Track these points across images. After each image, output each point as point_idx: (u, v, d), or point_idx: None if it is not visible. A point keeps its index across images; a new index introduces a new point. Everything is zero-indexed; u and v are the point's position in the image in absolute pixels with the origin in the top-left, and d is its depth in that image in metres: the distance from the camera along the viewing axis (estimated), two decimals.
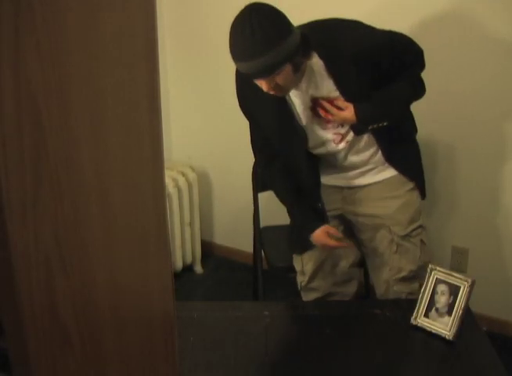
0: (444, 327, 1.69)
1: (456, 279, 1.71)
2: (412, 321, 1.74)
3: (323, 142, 1.88)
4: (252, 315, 1.90)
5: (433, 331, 1.71)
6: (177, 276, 2.78)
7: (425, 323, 1.73)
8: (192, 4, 2.70)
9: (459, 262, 2.45)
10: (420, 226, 1.97)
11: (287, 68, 1.63)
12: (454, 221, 2.43)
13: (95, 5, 0.73)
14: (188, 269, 2.92)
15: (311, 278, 2.02)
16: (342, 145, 1.87)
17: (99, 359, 0.85)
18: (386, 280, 1.96)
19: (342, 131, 1.85)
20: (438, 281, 1.74)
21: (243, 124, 2.42)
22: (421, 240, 1.97)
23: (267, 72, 1.61)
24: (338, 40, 1.72)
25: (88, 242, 0.79)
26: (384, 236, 1.95)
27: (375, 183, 1.95)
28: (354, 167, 1.94)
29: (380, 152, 1.90)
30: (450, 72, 2.23)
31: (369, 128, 1.82)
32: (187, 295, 2.70)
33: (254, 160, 2.26)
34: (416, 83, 1.85)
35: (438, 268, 1.75)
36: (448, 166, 2.37)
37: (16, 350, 0.73)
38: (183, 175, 2.77)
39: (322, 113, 1.80)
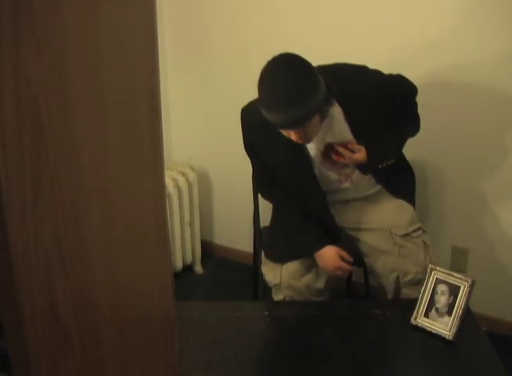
0: (444, 327, 1.70)
1: (456, 279, 1.71)
2: (412, 321, 1.74)
3: (329, 183, 1.95)
4: (252, 315, 1.90)
5: (433, 331, 1.71)
6: (177, 276, 2.78)
7: (425, 323, 1.73)
8: (192, 3, 2.70)
9: (459, 262, 2.45)
10: (420, 228, 1.99)
11: (316, 117, 1.67)
12: (454, 221, 2.43)
13: (94, 5, 0.73)
14: (188, 269, 2.92)
15: (289, 292, 1.98)
16: (347, 184, 1.97)
17: (99, 359, 0.85)
18: (396, 285, 1.94)
19: (348, 171, 1.94)
20: (438, 281, 1.74)
21: None
22: (424, 242, 1.97)
23: (300, 123, 1.64)
24: (356, 86, 1.77)
25: (88, 242, 0.79)
26: (385, 239, 1.96)
27: (367, 195, 2.02)
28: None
29: (374, 179, 1.99)
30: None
31: (379, 167, 1.90)
32: (187, 295, 2.70)
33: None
34: (416, 120, 1.96)
35: (438, 268, 1.75)
36: (448, 166, 2.37)
37: (16, 350, 0.73)
38: (183, 175, 2.77)
39: (335, 157, 1.85)
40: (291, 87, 1.58)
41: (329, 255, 1.91)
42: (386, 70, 1.87)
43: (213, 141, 2.89)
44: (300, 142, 1.74)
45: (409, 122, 1.96)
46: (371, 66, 1.85)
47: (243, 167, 2.40)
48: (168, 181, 2.65)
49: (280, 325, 1.84)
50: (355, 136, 1.84)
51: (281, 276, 1.98)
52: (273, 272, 2.01)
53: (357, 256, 2.02)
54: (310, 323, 1.85)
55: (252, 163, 2.07)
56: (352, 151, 1.84)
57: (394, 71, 1.91)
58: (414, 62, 2.26)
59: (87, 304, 0.80)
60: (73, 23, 0.69)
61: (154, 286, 0.96)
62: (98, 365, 0.85)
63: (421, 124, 1.99)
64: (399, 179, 2.02)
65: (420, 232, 1.98)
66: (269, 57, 2.66)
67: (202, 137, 2.92)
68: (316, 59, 2.51)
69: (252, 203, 2.33)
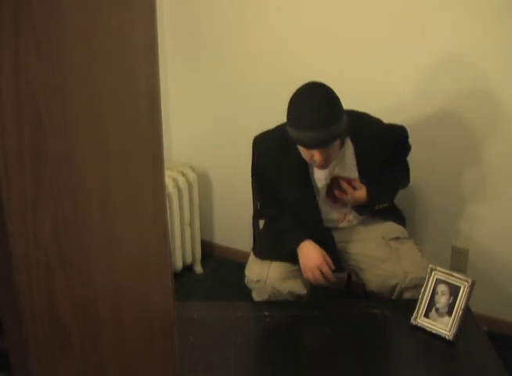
0: (444, 327, 1.70)
1: (456, 279, 1.71)
2: (412, 321, 1.75)
3: (328, 221, 2.05)
4: (252, 315, 1.90)
5: (433, 331, 1.71)
6: (177, 276, 2.78)
7: (425, 323, 1.73)
8: (192, 4, 2.70)
9: (459, 262, 2.44)
10: (410, 239, 2.06)
11: (337, 143, 1.83)
12: (454, 221, 2.43)
13: (94, 5, 0.73)
14: (188, 269, 2.92)
15: (273, 291, 1.96)
16: (344, 224, 2.09)
17: (99, 359, 0.85)
18: (398, 289, 1.91)
19: (347, 211, 2.07)
20: (438, 281, 1.74)
21: (243, 125, 2.42)
22: (418, 249, 2.01)
23: (327, 143, 1.78)
24: (366, 127, 1.95)
25: (88, 242, 0.79)
26: (379, 247, 1.99)
27: (358, 223, 2.12)
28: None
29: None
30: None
31: (376, 208, 2.03)
32: (187, 295, 2.70)
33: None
34: (407, 173, 2.13)
35: (438, 268, 1.75)
36: (448, 165, 2.37)
37: (16, 350, 0.73)
38: (183, 175, 2.77)
39: (337, 193, 1.97)
40: (323, 107, 1.73)
41: (313, 252, 1.92)
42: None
43: (213, 141, 2.89)
44: (320, 164, 1.85)
45: (403, 172, 2.12)
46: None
47: (243, 167, 2.40)
48: (168, 181, 2.65)
49: (280, 325, 1.84)
50: (360, 173, 1.97)
51: (268, 272, 1.96)
52: (259, 271, 1.99)
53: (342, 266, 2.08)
54: (310, 323, 1.86)
55: (257, 187, 2.18)
56: (355, 188, 1.95)
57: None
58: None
59: (87, 304, 0.80)
60: (73, 23, 0.69)
61: (154, 286, 0.96)
62: (98, 365, 0.85)
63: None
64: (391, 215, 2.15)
65: (411, 241, 2.05)
66: (269, 58, 2.67)
67: (202, 137, 2.92)
68: (316, 60, 2.51)
69: (252, 203, 2.33)
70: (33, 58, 0.65)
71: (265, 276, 1.96)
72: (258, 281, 1.97)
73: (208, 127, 2.88)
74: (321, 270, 1.89)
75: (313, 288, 2.02)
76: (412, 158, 2.24)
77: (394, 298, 1.93)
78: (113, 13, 0.76)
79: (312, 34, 2.42)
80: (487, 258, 2.40)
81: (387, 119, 2.05)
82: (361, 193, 1.96)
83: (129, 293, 0.90)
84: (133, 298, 0.92)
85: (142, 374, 0.97)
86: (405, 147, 2.11)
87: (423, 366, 1.67)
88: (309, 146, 1.79)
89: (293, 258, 1.96)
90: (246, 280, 2.04)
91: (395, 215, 2.15)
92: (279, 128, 1.95)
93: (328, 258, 1.93)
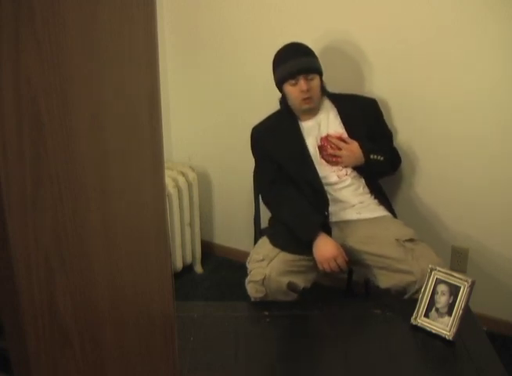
0: (444, 327, 1.70)
1: (456, 279, 1.71)
2: (412, 321, 1.75)
3: (327, 181, 2.16)
4: (252, 315, 1.90)
5: (433, 331, 1.71)
6: (177, 276, 2.78)
7: (425, 323, 1.73)
8: (192, 4, 2.70)
9: (459, 262, 2.45)
10: (422, 241, 2.05)
11: (318, 80, 2.11)
12: (453, 221, 2.43)
13: (94, 5, 0.73)
14: (188, 269, 2.92)
15: (272, 285, 1.96)
16: (344, 179, 2.16)
17: (99, 359, 0.85)
18: (417, 287, 1.90)
19: (344, 172, 2.17)
20: (438, 281, 1.74)
21: (243, 125, 2.42)
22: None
23: (310, 69, 2.08)
24: (343, 95, 2.24)
25: (88, 242, 0.79)
26: (394, 249, 1.99)
27: (366, 219, 2.14)
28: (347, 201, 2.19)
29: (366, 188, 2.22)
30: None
31: (371, 157, 2.14)
32: (187, 295, 2.70)
33: (254, 159, 2.27)
34: (396, 154, 2.31)
35: (438, 268, 1.75)
36: (448, 165, 2.37)
37: (16, 350, 0.73)
38: (183, 175, 2.77)
39: (331, 150, 2.13)
40: (302, 45, 2.13)
41: (328, 244, 1.98)
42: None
43: (213, 141, 2.89)
44: (306, 97, 2.08)
45: (390, 151, 2.27)
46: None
47: (244, 167, 2.40)
48: (168, 181, 2.65)
49: (280, 325, 1.84)
50: (347, 129, 2.16)
51: (274, 258, 1.99)
52: (268, 252, 2.02)
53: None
54: (310, 323, 1.86)
55: (257, 163, 2.25)
56: (346, 143, 2.14)
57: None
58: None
59: (87, 304, 0.80)
60: (73, 23, 0.69)
61: (154, 286, 0.96)
62: (98, 365, 0.85)
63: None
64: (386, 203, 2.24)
65: (424, 242, 2.05)
66: (270, 58, 2.68)
67: (202, 137, 2.92)
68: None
69: (252, 203, 2.33)
70: (33, 58, 0.65)
71: (272, 257, 2.00)
72: (262, 260, 2.00)
73: (208, 127, 2.88)
74: (336, 261, 1.97)
75: (312, 288, 2.05)
76: (412, 158, 2.24)
77: (406, 297, 1.94)
78: (113, 13, 0.76)
79: (313, 34, 2.42)
80: (487, 258, 2.40)
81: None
82: (353, 146, 2.13)
83: (129, 293, 0.90)
84: (133, 298, 0.92)
85: (142, 374, 0.97)
86: (385, 126, 2.29)
87: (423, 366, 1.67)
88: (296, 72, 2.06)
89: (304, 250, 2.01)
90: (248, 260, 2.08)
91: (387, 204, 2.22)
92: (273, 114, 2.26)
93: (341, 250, 1.99)
